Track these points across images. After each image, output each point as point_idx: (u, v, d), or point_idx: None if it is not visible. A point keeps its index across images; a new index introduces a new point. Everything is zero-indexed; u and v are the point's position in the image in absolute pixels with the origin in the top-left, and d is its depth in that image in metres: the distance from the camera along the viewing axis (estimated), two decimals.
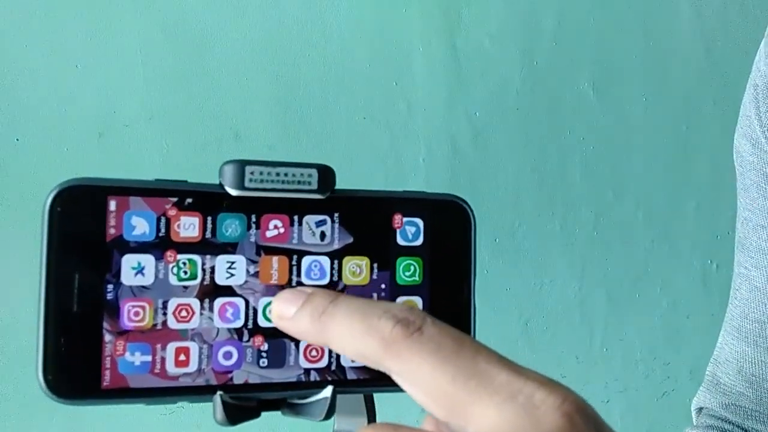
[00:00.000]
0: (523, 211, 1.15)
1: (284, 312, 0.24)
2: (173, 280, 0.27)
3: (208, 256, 0.28)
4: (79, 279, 0.26)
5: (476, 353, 0.21)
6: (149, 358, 0.27)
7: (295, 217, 0.29)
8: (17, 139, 0.93)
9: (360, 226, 0.30)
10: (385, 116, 1.07)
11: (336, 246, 0.29)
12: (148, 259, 0.27)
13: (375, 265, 0.30)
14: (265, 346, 0.28)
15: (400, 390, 0.29)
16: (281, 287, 0.28)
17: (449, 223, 0.31)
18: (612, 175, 1.19)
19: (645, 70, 1.21)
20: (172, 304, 0.27)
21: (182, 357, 0.27)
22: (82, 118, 0.95)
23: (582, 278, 1.18)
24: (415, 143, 1.08)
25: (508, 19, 1.13)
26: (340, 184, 0.30)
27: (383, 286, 0.30)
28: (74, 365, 0.26)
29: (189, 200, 0.27)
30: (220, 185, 0.28)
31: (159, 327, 0.27)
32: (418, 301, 0.30)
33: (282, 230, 0.29)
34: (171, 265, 0.27)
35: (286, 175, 0.28)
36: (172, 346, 0.27)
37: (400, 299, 0.30)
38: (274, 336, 0.28)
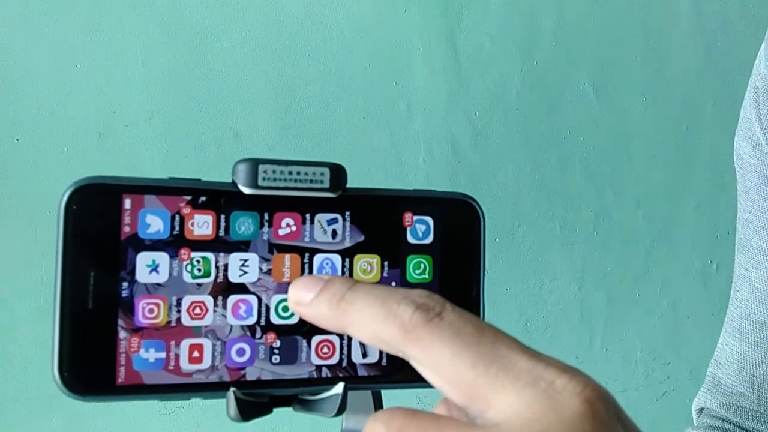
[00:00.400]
0: (523, 211, 1.15)
1: (302, 298, 0.24)
2: (187, 277, 0.27)
3: (221, 254, 0.28)
4: (94, 276, 0.26)
5: (496, 339, 0.21)
6: (163, 354, 0.27)
7: (307, 216, 0.29)
8: (17, 139, 0.93)
9: (371, 224, 0.30)
10: (385, 116, 1.07)
11: (347, 244, 0.30)
12: (162, 257, 0.27)
13: (386, 263, 0.30)
14: (278, 343, 0.29)
15: (410, 387, 0.29)
16: None
17: (459, 221, 0.31)
18: (612, 175, 1.19)
19: (645, 70, 1.21)
20: (186, 301, 0.27)
21: (196, 354, 0.27)
22: (82, 118, 0.95)
23: (582, 278, 1.18)
24: (415, 143, 1.08)
25: (508, 19, 1.13)
26: None
27: (393, 283, 0.30)
28: (89, 362, 0.26)
29: (203, 198, 0.28)
30: (233, 184, 0.28)
31: (173, 324, 0.27)
32: None
33: (294, 228, 0.29)
34: (185, 263, 0.27)
35: (298, 173, 0.28)
36: (186, 343, 0.27)
37: None
38: (287, 333, 0.29)
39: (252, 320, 0.28)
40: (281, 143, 1.02)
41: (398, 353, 0.22)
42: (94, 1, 0.95)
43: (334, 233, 0.29)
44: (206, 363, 0.28)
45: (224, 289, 0.28)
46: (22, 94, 0.92)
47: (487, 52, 1.12)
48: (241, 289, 0.28)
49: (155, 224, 0.27)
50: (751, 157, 0.56)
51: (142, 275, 0.27)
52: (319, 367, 0.29)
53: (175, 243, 0.27)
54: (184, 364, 0.27)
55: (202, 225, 0.28)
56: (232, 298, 0.28)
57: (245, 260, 0.28)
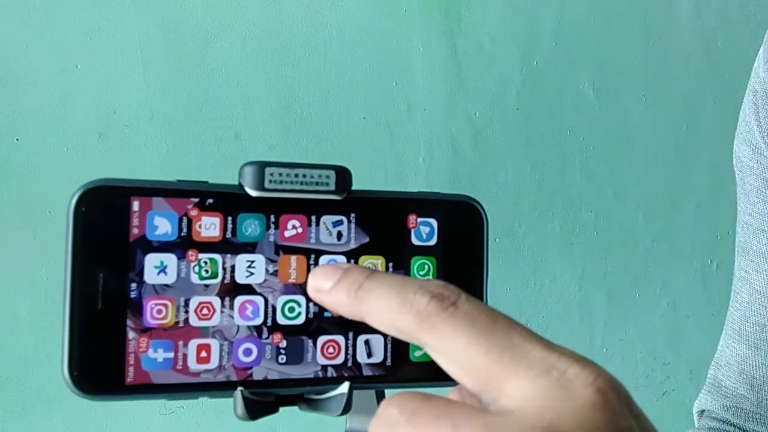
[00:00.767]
0: (523, 211, 1.15)
1: (321, 285, 0.25)
2: (195, 278, 0.28)
3: (228, 256, 0.28)
4: (103, 277, 0.27)
5: (510, 328, 0.21)
6: (171, 354, 0.27)
7: (313, 218, 0.29)
8: (17, 139, 0.93)
9: (376, 226, 0.30)
10: (385, 116, 1.07)
11: (352, 245, 0.30)
12: (170, 258, 0.28)
13: (390, 264, 0.31)
14: (284, 343, 0.29)
15: (414, 386, 0.29)
16: (299, 286, 0.29)
17: (462, 223, 0.32)
18: (612, 175, 1.19)
19: (645, 70, 1.21)
20: (194, 302, 0.28)
21: (203, 354, 0.28)
22: (82, 118, 0.95)
23: (582, 278, 1.18)
24: (415, 143, 1.08)
25: (508, 19, 1.13)
26: None
27: None
28: (99, 362, 0.27)
29: (210, 201, 0.28)
30: (240, 186, 0.29)
31: (181, 324, 0.28)
32: None
33: (300, 230, 0.29)
34: (193, 264, 0.28)
35: (304, 176, 0.29)
36: (193, 343, 0.28)
37: None
38: (293, 333, 0.29)
39: (259, 321, 0.29)
40: (281, 143, 1.02)
41: (414, 341, 0.23)
42: (94, 1, 0.95)
43: (340, 235, 0.30)
44: (214, 363, 0.28)
45: (231, 290, 0.28)
46: (22, 94, 0.93)
47: (487, 52, 1.12)
48: (248, 290, 0.29)
49: (163, 226, 0.28)
50: (750, 160, 0.57)
51: (151, 276, 0.27)
52: (324, 367, 0.29)
53: (183, 244, 0.28)
54: (192, 364, 0.28)
55: (209, 227, 0.28)
56: (239, 299, 0.28)
57: (252, 261, 0.29)
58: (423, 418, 0.20)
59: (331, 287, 0.24)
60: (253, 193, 0.29)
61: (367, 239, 0.30)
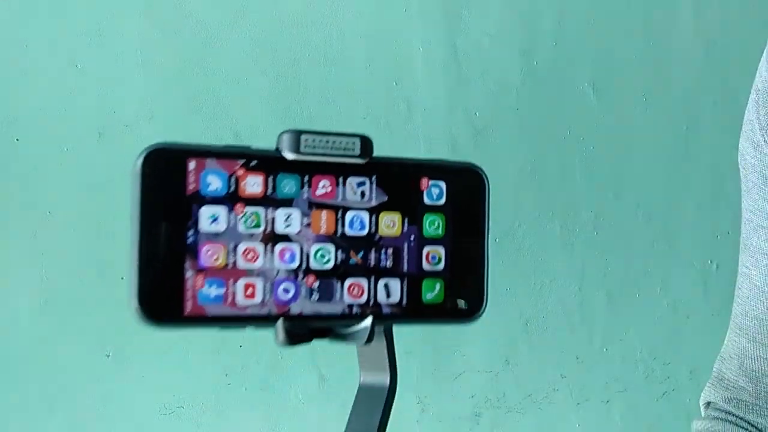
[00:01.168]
0: (523, 211, 1.15)
1: None
2: (241, 228, 0.33)
3: (269, 209, 0.33)
4: (165, 226, 0.31)
5: None
6: (223, 291, 0.32)
7: (340, 178, 0.34)
8: (17, 139, 0.93)
9: (393, 186, 0.35)
10: (385, 116, 1.07)
11: (373, 203, 0.35)
12: (221, 211, 0.32)
13: (406, 220, 0.36)
14: (316, 285, 0.34)
15: (425, 323, 0.36)
16: (329, 236, 0.34)
17: (467, 186, 0.37)
18: (612, 175, 1.19)
19: (645, 70, 1.21)
20: (241, 247, 0.33)
21: (249, 291, 0.33)
22: (82, 118, 0.95)
23: (582, 278, 1.18)
24: (415, 143, 1.08)
25: (508, 19, 1.13)
26: None
27: (412, 237, 0.36)
28: (162, 296, 0.31)
29: (254, 162, 0.33)
30: (278, 150, 0.34)
31: (230, 266, 0.32)
32: (440, 250, 0.36)
33: (329, 189, 0.34)
34: (239, 216, 0.33)
35: (334, 142, 0.34)
36: (241, 282, 0.33)
37: (426, 248, 0.36)
38: (323, 276, 0.34)
39: (295, 265, 0.34)
40: None
41: None
42: (95, 1, 0.95)
43: (363, 194, 0.35)
44: (258, 299, 0.33)
45: (272, 238, 0.33)
46: (22, 94, 0.93)
47: (487, 52, 1.12)
48: (286, 238, 0.34)
49: (215, 183, 0.32)
50: (752, 158, 0.58)
51: (205, 225, 0.32)
52: (350, 305, 0.34)
53: (231, 199, 0.33)
54: (240, 299, 0.33)
55: (253, 184, 0.33)
56: (279, 246, 0.33)
57: (289, 215, 0.34)
58: None
59: None
60: (289, 156, 0.34)
61: (386, 198, 0.35)
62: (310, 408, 1.04)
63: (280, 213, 0.34)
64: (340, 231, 0.34)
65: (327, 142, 0.34)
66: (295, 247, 0.34)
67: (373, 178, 0.35)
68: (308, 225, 0.34)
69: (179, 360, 0.99)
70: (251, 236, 0.33)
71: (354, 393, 0.37)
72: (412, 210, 0.36)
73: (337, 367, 1.05)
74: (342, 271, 0.34)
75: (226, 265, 0.32)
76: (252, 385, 1.02)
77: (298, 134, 0.34)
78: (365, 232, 0.35)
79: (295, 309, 0.34)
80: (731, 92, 1.23)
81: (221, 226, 0.32)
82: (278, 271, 0.33)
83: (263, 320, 0.33)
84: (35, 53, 0.93)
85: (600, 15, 1.18)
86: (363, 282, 0.35)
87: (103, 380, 0.96)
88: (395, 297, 0.35)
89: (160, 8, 0.97)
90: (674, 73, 1.23)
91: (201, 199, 0.32)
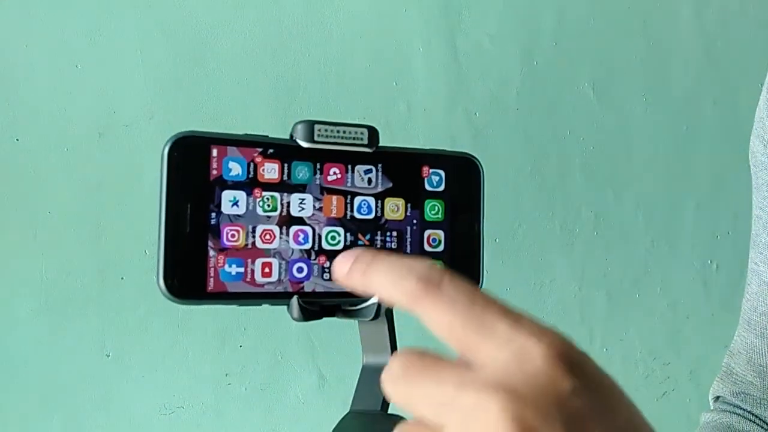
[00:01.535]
0: (523, 211, 1.15)
1: (339, 272, 0.29)
2: (260, 211, 0.35)
3: (285, 194, 0.36)
4: (190, 208, 0.33)
5: (485, 307, 0.26)
6: (242, 269, 0.35)
7: (349, 166, 0.37)
8: (17, 139, 0.93)
9: (397, 174, 0.38)
10: (385, 116, 1.07)
11: (379, 189, 0.38)
12: (241, 194, 0.35)
13: (408, 205, 0.38)
14: (327, 264, 0.36)
15: None
16: (339, 220, 0.37)
17: (464, 174, 0.40)
18: (612, 175, 1.19)
19: (645, 70, 1.21)
20: (259, 229, 0.35)
21: (267, 270, 0.35)
22: (82, 118, 0.95)
23: (582, 278, 1.18)
24: (415, 143, 1.08)
25: (508, 19, 1.13)
26: None
27: (414, 221, 0.39)
28: (186, 273, 0.33)
29: (271, 150, 0.36)
30: (293, 139, 0.36)
31: (249, 246, 0.35)
32: (440, 233, 0.39)
33: (339, 176, 0.37)
34: (258, 200, 0.35)
35: (345, 132, 0.37)
36: (259, 261, 0.35)
37: (427, 232, 0.39)
38: (334, 256, 0.35)
39: (308, 246, 0.36)
40: None
41: (411, 313, 0.27)
42: (95, 2, 0.95)
43: (370, 180, 0.38)
44: (274, 277, 0.35)
45: (287, 221, 0.36)
46: (22, 94, 0.93)
47: (487, 52, 1.12)
48: (300, 221, 0.36)
49: (235, 169, 0.35)
50: (762, 155, 0.58)
51: (226, 208, 0.34)
52: None
53: (251, 184, 0.35)
54: (258, 278, 0.35)
55: (270, 171, 0.35)
56: (294, 228, 0.36)
57: (303, 199, 0.36)
58: (414, 371, 0.25)
59: (346, 272, 0.29)
60: (304, 144, 0.36)
61: (390, 184, 0.38)
62: (310, 408, 1.04)
63: (295, 197, 0.36)
64: (349, 215, 0.37)
65: (338, 131, 0.36)
66: (308, 230, 0.36)
67: (379, 166, 0.38)
68: (320, 209, 0.37)
69: (179, 360, 0.99)
70: (268, 218, 0.35)
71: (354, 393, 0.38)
72: (415, 196, 0.38)
73: (337, 367, 1.05)
74: None
75: (246, 245, 0.35)
76: (252, 385, 1.02)
77: (312, 124, 0.36)
78: (372, 215, 0.38)
79: (308, 287, 0.36)
80: (731, 92, 1.23)
81: (241, 209, 0.35)
82: (293, 252, 0.36)
83: (279, 297, 0.35)
84: (35, 53, 0.93)
85: (600, 15, 1.18)
86: None
87: (103, 380, 0.96)
88: None
89: (160, 8, 0.97)
90: (674, 73, 1.23)
91: (223, 183, 0.34)
